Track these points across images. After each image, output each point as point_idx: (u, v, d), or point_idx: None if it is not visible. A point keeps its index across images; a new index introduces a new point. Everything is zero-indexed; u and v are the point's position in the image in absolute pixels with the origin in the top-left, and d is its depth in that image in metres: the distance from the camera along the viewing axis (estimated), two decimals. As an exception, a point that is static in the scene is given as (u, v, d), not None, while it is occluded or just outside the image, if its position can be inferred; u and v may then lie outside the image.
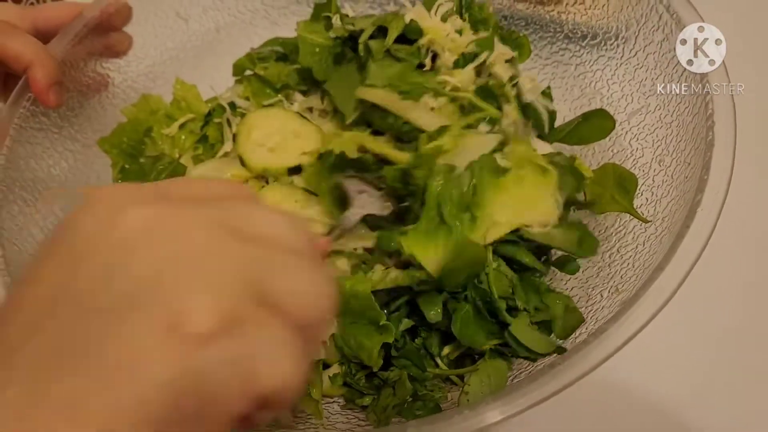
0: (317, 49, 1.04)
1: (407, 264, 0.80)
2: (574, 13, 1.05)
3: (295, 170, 0.98)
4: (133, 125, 1.02)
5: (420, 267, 0.77)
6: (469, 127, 0.90)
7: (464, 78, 0.96)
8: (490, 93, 0.97)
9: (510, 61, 1.02)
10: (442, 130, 0.88)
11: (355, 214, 0.82)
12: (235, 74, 1.15)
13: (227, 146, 1.04)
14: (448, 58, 0.98)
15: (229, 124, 1.05)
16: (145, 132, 1.04)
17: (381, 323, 0.78)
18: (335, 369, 0.83)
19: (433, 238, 0.79)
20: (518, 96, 0.99)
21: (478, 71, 0.99)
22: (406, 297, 0.82)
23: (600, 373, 0.62)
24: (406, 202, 0.85)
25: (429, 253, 0.77)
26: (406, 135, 0.92)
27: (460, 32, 1.01)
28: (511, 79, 1.00)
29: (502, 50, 1.01)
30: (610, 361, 0.62)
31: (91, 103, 1.04)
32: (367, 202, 0.84)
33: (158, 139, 1.02)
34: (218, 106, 1.08)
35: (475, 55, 0.99)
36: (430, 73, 0.97)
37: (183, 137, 1.04)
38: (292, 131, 1.00)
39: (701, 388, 0.92)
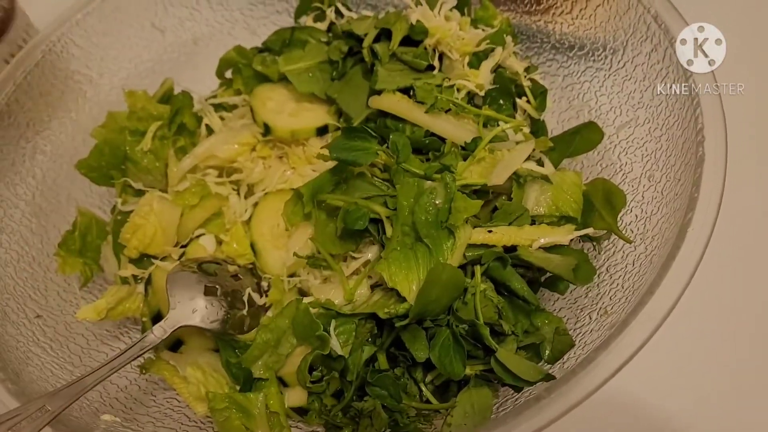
0: (310, 74, 1.02)
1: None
2: (561, 23, 1.02)
3: (323, 130, 1.00)
4: (111, 148, 0.98)
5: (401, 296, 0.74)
6: (497, 137, 0.87)
7: (482, 79, 0.94)
8: (506, 90, 0.96)
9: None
10: (475, 142, 0.86)
11: (169, 325, 0.79)
12: (220, 70, 1.12)
13: (216, 126, 1.04)
14: (459, 58, 0.97)
15: (209, 113, 1.06)
16: (123, 157, 1.00)
17: (317, 333, 0.76)
18: (298, 393, 0.80)
19: (413, 260, 0.76)
20: (532, 88, 0.98)
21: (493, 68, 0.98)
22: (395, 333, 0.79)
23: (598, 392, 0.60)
24: (239, 308, 0.85)
25: (411, 278, 0.74)
26: (426, 146, 0.89)
27: (460, 26, 1.00)
28: (527, 70, 0.99)
29: (511, 43, 0.99)
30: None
31: (59, 115, 1.01)
32: (186, 310, 0.81)
33: (140, 160, 0.98)
34: (185, 97, 1.05)
35: (489, 52, 0.98)
36: (439, 75, 0.95)
37: (160, 145, 1.00)
38: (303, 105, 1.02)
39: (700, 405, 0.89)
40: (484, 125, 0.90)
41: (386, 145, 0.87)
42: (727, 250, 0.84)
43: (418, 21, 0.97)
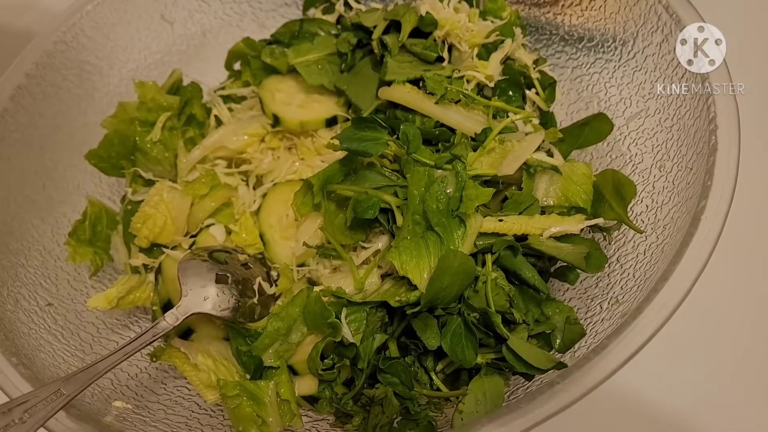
0: (319, 66, 1.02)
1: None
2: (571, 15, 1.02)
3: (332, 121, 1.00)
4: (120, 139, 0.98)
5: (412, 285, 0.74)
6: (507, 129, 0.87)
7: (491, 70, 0.94)
8: (515, 82, 0.96)
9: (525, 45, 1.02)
10: (485, 133, 0.86)
11: (181, 312, 0.79)
12: (228, 62, 1.12)
13: (226, 117, 1.05)
14: (468, 50, 0.97)
15: (218, 104, 1.06)
16: (133, 147, 1.00)
17: (329, 320, 0.76)
18: (309, 381, 0.81)
19: (424, 248, 0.76)
20: (541, 80, 0.99)
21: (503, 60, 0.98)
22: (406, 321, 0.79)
23: (606, 383, 0.59)
24: (249, 296, 0.85)
25: (422, 266, 0.74)
26: (436, 137, 0.89)
27: (469, 18, 1.00)
28: (536, 62, 0.99)
29: (520, 35, 1.00)
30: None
31: (69, 105, 1.01)
32: (198, 298, 0.81)
33: (150, 151, 0.98)
34: (194, 88, 1.05)
35: (499, 44, 0.98)
36: (449, 66, 0.95)
37: (169, 135, 1.01)
38: (312, 96, 1.03)
39: (712, 397, 0.89)
40: (494, 116, 0.90)
41: (396, 135, 0.87)
42: (740, 238, 0.84)
43: (427, 13, 0.97)
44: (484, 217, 0.79)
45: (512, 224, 0.78)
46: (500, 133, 0.87)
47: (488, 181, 0.85)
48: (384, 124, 0.85)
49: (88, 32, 1.03)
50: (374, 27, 1.00)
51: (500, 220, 0.79)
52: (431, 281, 0.72)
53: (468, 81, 0.95)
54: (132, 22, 1.09)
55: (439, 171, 0.80)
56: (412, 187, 0.78)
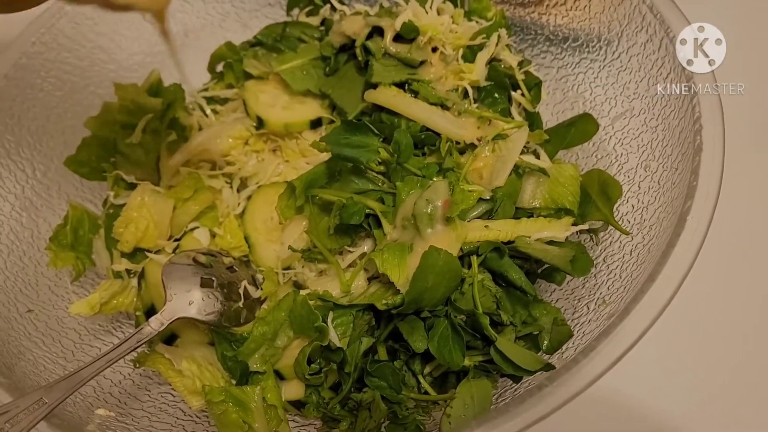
0: (304, 72, 1.01)
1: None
2: (555, 15, 1.02)
3: (317, 123, 0.99)
4: (99, 142, 0.97)
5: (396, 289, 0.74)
6: (498, 136, 0.87)
7: (477, 74, 0.94)
8: (501, 84, 0.96)
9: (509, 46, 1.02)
10: (480, 142, 0.86)
11: (166, 317, 0.78)
12: (211, 65, 1.11)
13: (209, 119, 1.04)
14: (452, 53, 0.96)
15: (202, 108, 1.06)
16: (113, 150, 0.99)
17: (316, 324, 0.75)
18: (295, 386, 0.80)
19: (408, 250, 0.76)
20: (526, 80, 0.99)
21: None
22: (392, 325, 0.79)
23: (595, 385, 0.59)
24: (235, 300, 0.84)
25: (403, 266, 0.74)
26: (422, 141, 0.89)
27: (453, 19, 0.99)
28: (521, 64, 0.99)
29: (505, 36, 0.99)
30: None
31: (47, 108, 0.99)
32: (183, 302, 0.80)
33: (131, 153, 0.97)
34: (177, 90, 1.04)
35: (483, 45, 0.97)
36: (434, 71, 0.95)
37: (151, 138, 0.99)
38: (296, 98, 1.02)
39: (701, 398, 0.89)
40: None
41: (382, 138, 0.86)
42: (726, 238, 0.84)
43: (409, 20, 0.96)
44: (470, 221, 0.79)
45: (498, 232, 0.78)
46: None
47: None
48: (376, 131, 0.84)
49: (67, 33, 1.01)
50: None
51: (486, 227, 0.79)
52: (414, 279, 0.72)
53: (456, 89, 0.94)
54: (112, 23, 1.07)
55: (430, 181, 0.80)
56: (403, 194, 0.78)
